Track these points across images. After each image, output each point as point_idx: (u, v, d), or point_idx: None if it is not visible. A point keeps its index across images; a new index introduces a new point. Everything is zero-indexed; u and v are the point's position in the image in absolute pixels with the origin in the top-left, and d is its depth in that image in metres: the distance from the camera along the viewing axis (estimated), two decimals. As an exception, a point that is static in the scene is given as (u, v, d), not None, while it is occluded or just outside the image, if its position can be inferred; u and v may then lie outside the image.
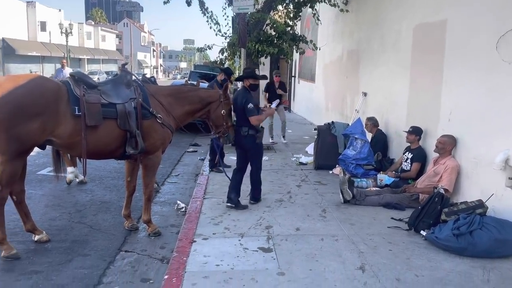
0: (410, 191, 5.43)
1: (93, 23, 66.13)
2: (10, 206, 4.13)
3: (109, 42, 61.21)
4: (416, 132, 6.02)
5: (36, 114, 3.71)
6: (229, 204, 5.25)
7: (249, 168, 5.46)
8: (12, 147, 3.70)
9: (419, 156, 5.95)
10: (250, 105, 5.06)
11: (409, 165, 6.03)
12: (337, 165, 7.14)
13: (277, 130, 10.20)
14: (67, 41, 37.19)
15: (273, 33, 9.88)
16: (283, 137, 10.15)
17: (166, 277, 3.51)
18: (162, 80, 57.96)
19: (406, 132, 6.14)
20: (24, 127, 3.66)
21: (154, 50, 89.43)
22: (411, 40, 6.68)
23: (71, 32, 37.64)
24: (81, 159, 4.43)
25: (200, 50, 10.85)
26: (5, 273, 3.70)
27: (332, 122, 7.82)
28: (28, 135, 3.70)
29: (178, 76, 65.74)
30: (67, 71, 9.97)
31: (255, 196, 5.49)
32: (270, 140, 9.78)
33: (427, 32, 6.19)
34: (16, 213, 4.27)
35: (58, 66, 10.97)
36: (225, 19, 10.47)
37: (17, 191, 4.07)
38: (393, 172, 6.28)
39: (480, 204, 4.36)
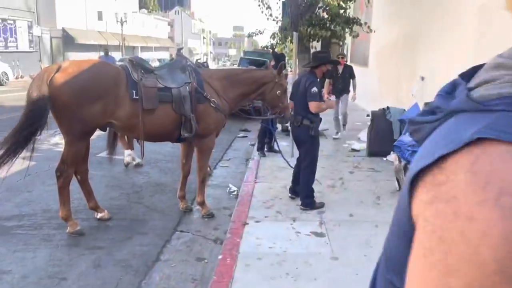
0: None
1: (146, 11, 67.97)
2: (74, 186, 4.36)
3: (161, 30, 62.74)
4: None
5: (98, 97, 3.87)
6: (291, 195, 5.02)
7: None
8: (76, 128, 3.90)
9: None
10: (315, 89, 4.57)
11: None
12: (392, 152, 6.91)
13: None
14: (122, 30, 38.51)
15: (326, 16, 9.66)
16: (337, 132, 8.76)
17: (220, 257, 3.58)
18: (212, 67, 58.72)
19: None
20: (87, 109, 3.84)
21: (204, 38, 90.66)
22: (477, 18, 6.27)
23: (125, 21, 38.91)
24: (139, 141, 4.60)
25: (251, 35, 10.86)
26: (71, 248, 3.94)
27: (388, 107, 7.56)
28: (91, 117, 3.88)
29: (228, 63, 66.39)
30: (111, 58, 10.39)
31: (304, 201, 4.75)
32: (334, 136, 8.65)
33: (494, 8, 5.78)
34: (79, 193, 4.52)
35: (102, 53, 11.58)
36: (277, 3, 10.39)
37: (81, 170, 4.30)
38: None
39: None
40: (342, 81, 8.61)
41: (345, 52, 16.29)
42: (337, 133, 8.77)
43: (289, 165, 5.27)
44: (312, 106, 4.60)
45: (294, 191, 5.03)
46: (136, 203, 5.18)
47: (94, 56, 38.54)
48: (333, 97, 5.36)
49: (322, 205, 4.80)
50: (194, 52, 77.51)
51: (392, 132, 7.21)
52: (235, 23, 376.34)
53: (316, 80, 4.75)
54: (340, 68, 8.58)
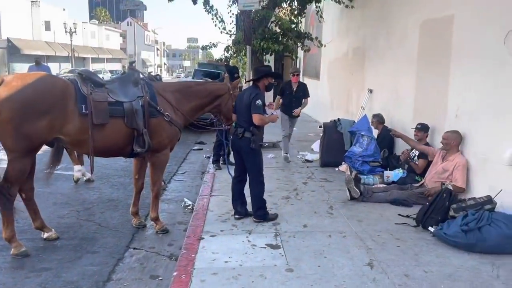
0: (430, 193, 5.18)
1: (97, 22, 66.27)
2: (18, 205, 4.14)
3: (113, 41, 61.33)
4: (424, 129, 6.00)
5: (44, 112, 3.73)
6: (237, 216, 4.85)
7: None
8: (21, 144, 3.73)
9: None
10: (259, 102, 4.54)
11: (416, 161, 6.00)
12: (343, 162, 7.13)
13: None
14: (71, 41, 37.35)
15: (278, 30, 9.87)
16: (287, 153, 7.95)
17: (175, 273, 3.52)
18: (166, 79, 58.07)
19: (414, 129, 6.12)
20: (32, 124, 3.68)
21: (157, 49, 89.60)
22: (418, 36, 6.64)
23: (75, 32, 37.77)
24: (89, 157, 4.45)
25: (205, 48, 10.87)
26: (15, 271, 3.73)
27: (338, 119, 7.80)
28: (36, 133, 3.72)
29: (182, 75, 65.83)
30: (44, 67, 9.89)
31: (257, 213, 4.74)
32: (285, 156, 7.89)
33: (434, 27, 6.16)
34: (25, 211, 4.30)
35: (33, 64, 10.67)
36: (230, 17, 10.53)
37: (26, 188, 4.11)
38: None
39: (489, 200, 4.34)
40: (296, 100, 7.69)
41: (297, 65, 16.59)
42: (287, 156, 7.92)
43: (231, 176, 5.19)
44: (256, 118, 4.55)
45: (238, 211, 4.85)
46: (86, 220, 5.00)
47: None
48: (277, 111, 5.26)
49: (275, 216, 4.84)
50: (148, 63, 76.37)
51: (343, 143, 7.44)
52: (189, 34, 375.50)
53: (260, 93, 4.71)
54: (295, 86, 7.71)
